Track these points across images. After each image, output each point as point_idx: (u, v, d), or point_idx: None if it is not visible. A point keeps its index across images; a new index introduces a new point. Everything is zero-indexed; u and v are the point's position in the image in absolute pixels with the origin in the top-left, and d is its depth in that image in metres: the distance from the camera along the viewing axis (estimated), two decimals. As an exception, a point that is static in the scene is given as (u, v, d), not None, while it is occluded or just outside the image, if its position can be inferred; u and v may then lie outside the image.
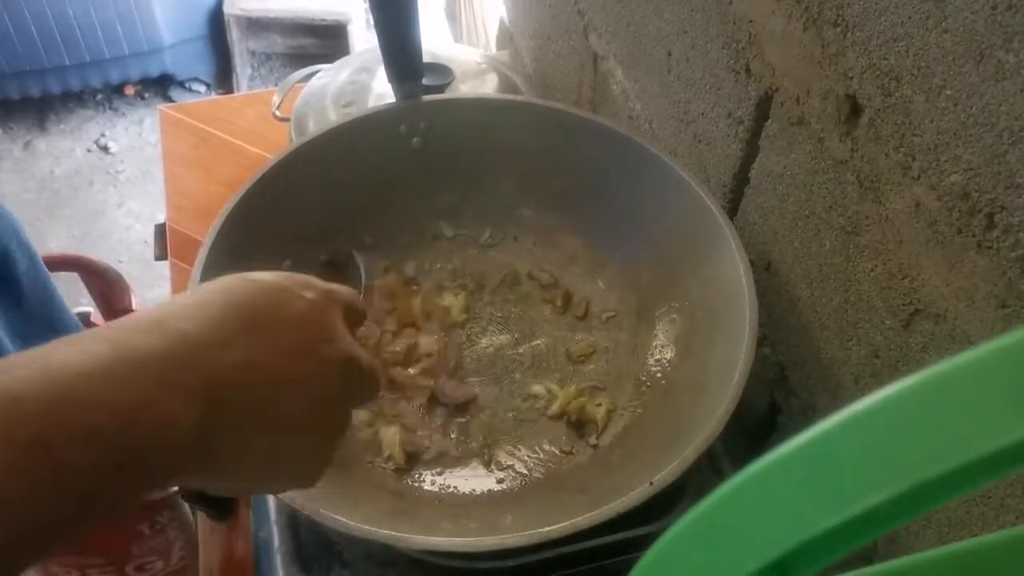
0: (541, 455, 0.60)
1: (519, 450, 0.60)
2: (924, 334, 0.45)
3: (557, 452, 0.60)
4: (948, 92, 0.38)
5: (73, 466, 0.26)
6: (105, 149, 2.34)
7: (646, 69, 0.73)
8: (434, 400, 0.62)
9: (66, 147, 2.34)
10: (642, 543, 0.50)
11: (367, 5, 2.17)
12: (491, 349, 0.66)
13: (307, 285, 0.37)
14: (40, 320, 0.80)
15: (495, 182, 0.71)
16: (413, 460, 0.59)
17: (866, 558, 0.53)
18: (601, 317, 0.68)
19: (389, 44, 0.65)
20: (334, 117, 0.80)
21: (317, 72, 0.88)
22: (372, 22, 0.64)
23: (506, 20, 1.19)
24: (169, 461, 0.29)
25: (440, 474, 0.59)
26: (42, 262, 0.80)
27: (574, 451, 0.60)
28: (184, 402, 0.29)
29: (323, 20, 2.24)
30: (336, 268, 0.65)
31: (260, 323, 0.33)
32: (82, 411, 0.26)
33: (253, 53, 2.43)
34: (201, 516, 0.71)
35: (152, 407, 0.28)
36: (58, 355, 0.27)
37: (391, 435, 0.59)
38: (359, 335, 0.48)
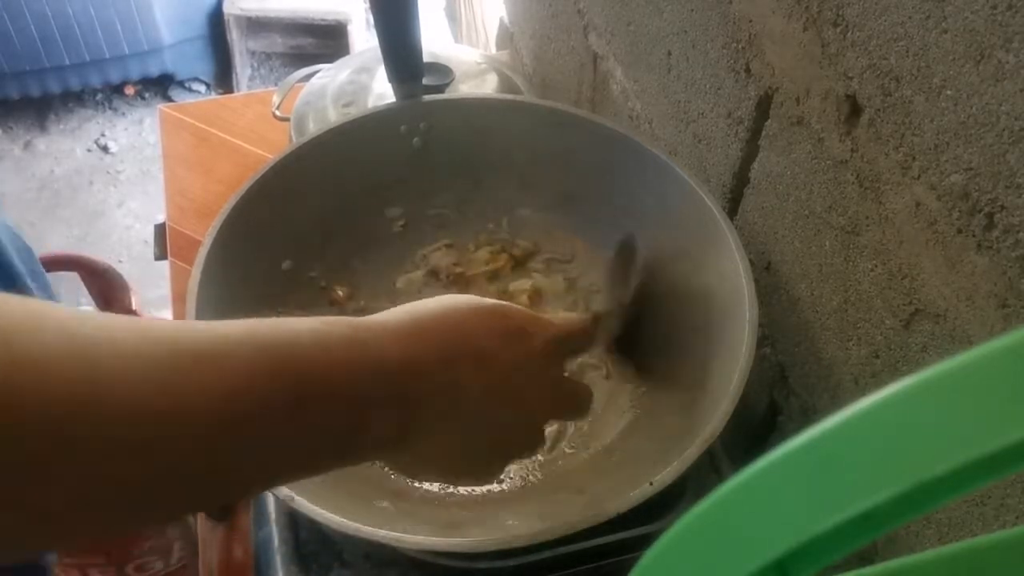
0: (540, 456, 0.60)
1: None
2: (924, 334, 0.45)
3: (553, 452, 0.60)
4: (948, 92, 0.38)
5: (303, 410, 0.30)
6: (105, 149, 2.34)
7: (646, 69, 0.73)
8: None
9: (66, 147, 2.34)
10: (642, 543, 0.50)
11: (367, 5, 2.17)
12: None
13: (536, 328, 0.40)
14: None
15: (495, 182, 0.71)
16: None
17: (866, 558, 0.53)
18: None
19: (389, 44, 0.65)
20: (334, 117, 0.80)
21: (317, 72, 0.88)
22: (372, 22, 0.64)
23: (506, 20, 1.19)
24: (375, 446, 0.34)
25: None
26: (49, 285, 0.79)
27: (570, 450, 0.60)
28: (399, 408, 0.34)
29: (323, 20, 2.24)
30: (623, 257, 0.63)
31: (484, 362, 0.37)
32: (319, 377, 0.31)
33: (253, 53, 2.43)
34: (201, 516, 0.71)
35: (376, 406, 0.33)
36: (314, 329, 0.32)
37: None
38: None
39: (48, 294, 0.76)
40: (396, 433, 0.34)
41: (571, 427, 0.62)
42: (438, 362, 0.36)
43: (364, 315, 0.37)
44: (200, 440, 0.27)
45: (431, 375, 0.35)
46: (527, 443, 0.43)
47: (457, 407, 0.37)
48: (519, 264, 0.71)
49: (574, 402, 0.44)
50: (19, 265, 0.69)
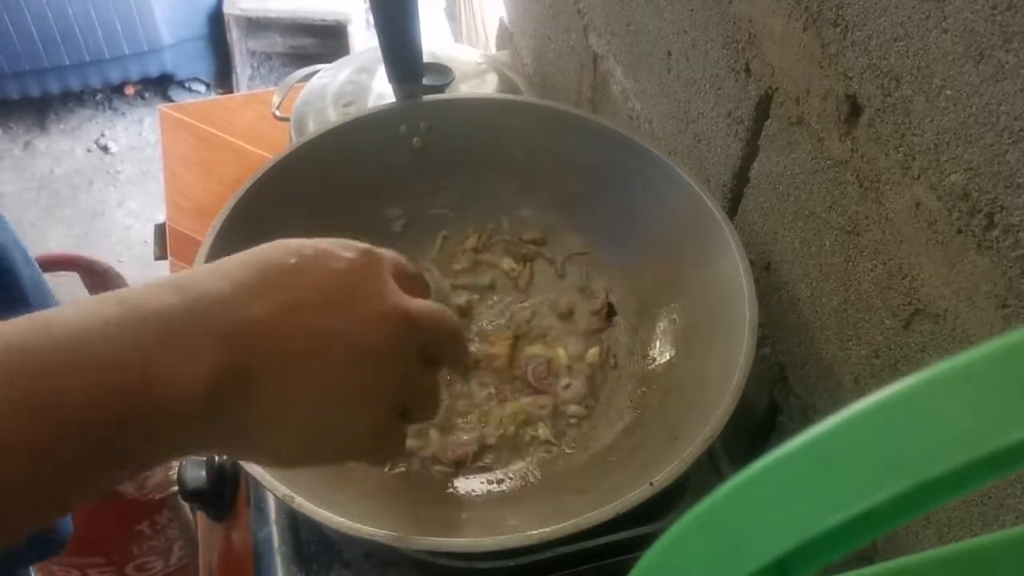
0: (540, 456, 0.60)
1: (518, 455, 0.60)
2: (924, 334, 0.45)
3: (553, 452, 0.60)
4: (948, 92, 0.38)
5: (68, 420, 0.25)
6: (105, 149, 2.34)
7: (646, 69, 0.73)
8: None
9: (66, 147, 2.34)
10: (642, 543, 0.50)
11: (367, 5, 2.17)
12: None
13: (348, 246, 0.35)
14: None
15: (495, 182, 0.71)
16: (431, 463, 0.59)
17: (866, 558, 0.53)
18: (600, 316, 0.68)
19: (389, 44, 0.65)
20: (334, 117, 0.80)
21: (317, 72, 0.88)
22: (372, 22, 0.64)
23: (506, 20, 1.19)
24: (181, 422, 0.28)
25: (440, 474, 0.59)
26: (43, 278, 0.77)
27: (570, 450, 0.60)
28: (197, 362, 0.28)
29: (323, 20, 2.24)
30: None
31: (290, 281, 0.32)
32: (78, 370, 0.26)
33: (253, 53, 2.43)
34: (201, 516, 0.71)
35: (159, 366, 0.27)
36: (63, 314, 0.27)
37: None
38: None
39: (39, 288, 0.75)
40: (215, 391, 0.28)
41: (571, 426, 0.62)
42: (261, 286, 0.31)
43: None
44: None
45: (252, 301, 0.30)
46: (404, 380, 0.34)
47: (297, 334, 0.31)
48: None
49: (435, 316, 0.36)
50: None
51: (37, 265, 0.75)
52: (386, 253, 0.37)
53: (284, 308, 0.31)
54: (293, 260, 0.33)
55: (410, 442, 0.60)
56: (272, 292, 0.31)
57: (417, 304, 0.35)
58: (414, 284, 0.38)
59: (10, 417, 0.24)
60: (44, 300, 0.76)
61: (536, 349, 0.66)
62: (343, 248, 0.35)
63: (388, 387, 0.34)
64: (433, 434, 0.61)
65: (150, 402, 0.27)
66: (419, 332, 0.35)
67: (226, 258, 0.32)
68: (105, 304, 0.28)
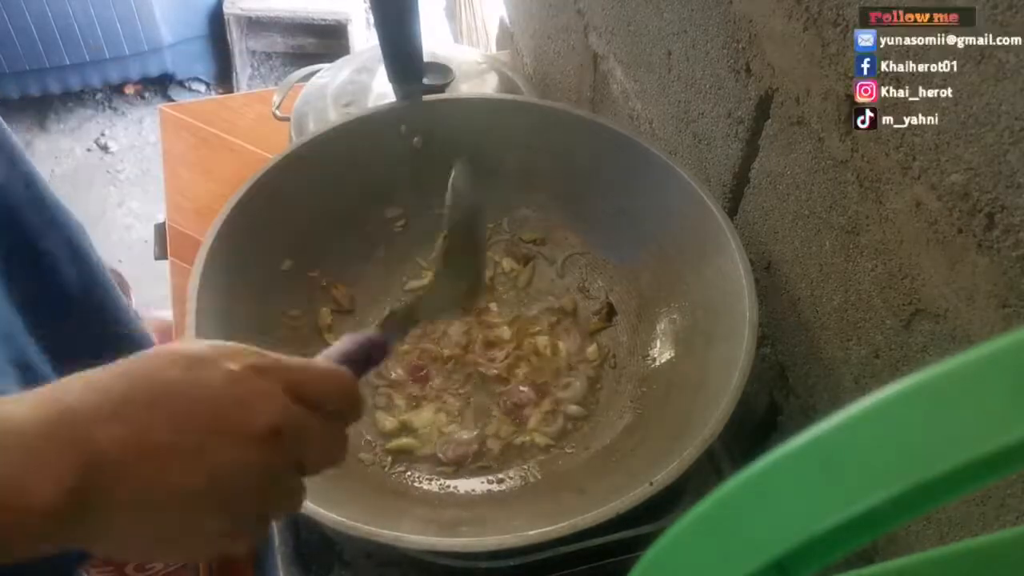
0: (540, 456, 0.60)
1: (519, 456, 0.60)
2: (924, 334, 0.45)
3: (553, 452, 0.60)
4: (948, 92, 0.38)
5: None
6: (105, 149, 2.34)
7: (646, 69, 0.72)
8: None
9: (66, 147, 2.34)
10: (642, 543, 0.50)
11: (367, 5, 2.17)
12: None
13: (234, 355, 0.34)
14: (92, 338, 0.72)
15: (495, 182, 0.71)
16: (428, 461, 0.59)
17: (866, 558, 0.53)
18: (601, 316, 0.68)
19: (389, 44, 0.65)
20: (334, 117, 0.80)
21: (317, 72, 0.88)
22: (372, 22, 0.64)
23: (506, 20, 1.19)
24: (32, 535, 0.29)
25: (441, 474, 0.59)
26: (105, 273, 0.75)
27: (570, 450, 0.60)
28: (53, 478, 0.28)
29: (323, 20, 2.24)
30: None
31: (161, 396, 0.32)
32: None
33: (253, 53, 2.43)
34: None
35: (15, 482, 0.28)
36: None
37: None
38: None
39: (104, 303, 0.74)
40: (70, 506, 0.29)
41: (571, 427, 0.62)
42: (128, 401, 0.31)
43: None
44: None
45: (116, 417, 0.30)
46: (265, 492, 0.34)
47: (162, 452, 0.31)
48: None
49: (308, 433, 0.35)
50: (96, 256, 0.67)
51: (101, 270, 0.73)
52: (277, 367, 0.35)
53: (147, 425, 0.31)
54: (170, 374, 0.32)
55: (410, 441, 0.60)
56: (138, 408, 0.31)
57: (292, 421, 0.34)
58: (308, 391, 0.36)
59: None
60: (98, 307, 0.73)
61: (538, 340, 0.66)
62: (228, 358, 0.34)
63: (248, 502, 0.34)
64: (432, 432, 0.61)
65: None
66: (289, 450, 0.34)
67: (111, 365, 0.32)
68: None
